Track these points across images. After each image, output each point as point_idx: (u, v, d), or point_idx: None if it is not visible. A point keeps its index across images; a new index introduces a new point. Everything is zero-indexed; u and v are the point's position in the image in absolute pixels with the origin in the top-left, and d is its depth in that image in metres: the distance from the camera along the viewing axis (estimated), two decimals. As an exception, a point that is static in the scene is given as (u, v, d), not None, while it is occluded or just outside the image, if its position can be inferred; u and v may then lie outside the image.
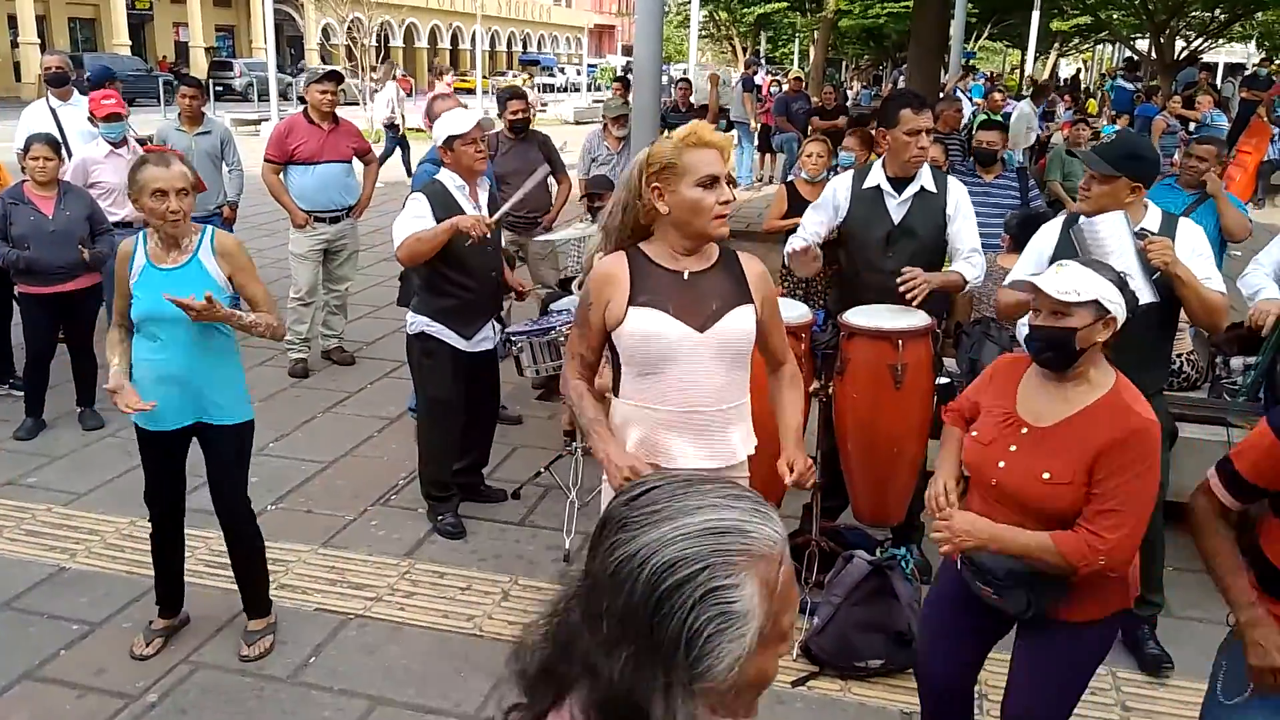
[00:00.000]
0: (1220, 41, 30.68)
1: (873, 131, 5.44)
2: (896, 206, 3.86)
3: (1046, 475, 2.29)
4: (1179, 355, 4.66)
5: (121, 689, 3.31)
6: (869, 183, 3.91)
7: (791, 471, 2.56)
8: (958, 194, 3.89)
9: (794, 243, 3.92)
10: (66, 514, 4.49)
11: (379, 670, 3.45)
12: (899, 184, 3.86)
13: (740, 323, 2.51)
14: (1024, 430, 2.38)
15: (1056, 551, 2.24)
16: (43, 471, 4.94)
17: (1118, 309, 2.30)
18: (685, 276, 2.50)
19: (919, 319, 3.62)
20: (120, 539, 4.26)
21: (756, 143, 15.63)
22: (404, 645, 3.60)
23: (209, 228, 3.37)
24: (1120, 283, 2.34)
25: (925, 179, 3.86)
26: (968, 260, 3.85)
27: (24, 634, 3.60)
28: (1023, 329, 3.66)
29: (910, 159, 3.80)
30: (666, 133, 7.78)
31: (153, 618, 3.60)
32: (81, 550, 4.17)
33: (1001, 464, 2.37)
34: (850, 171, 4.10)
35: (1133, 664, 3.56)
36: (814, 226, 3.99)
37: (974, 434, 2.47)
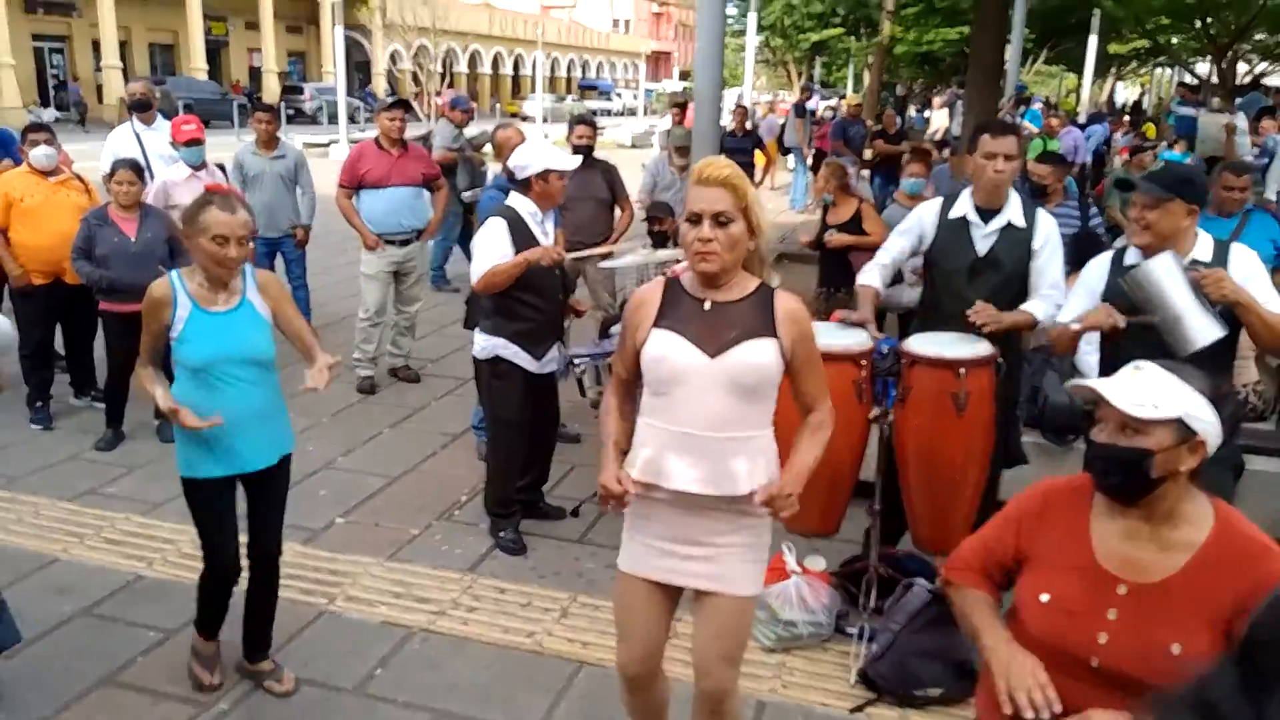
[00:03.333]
0: (1286, 65, 30.02)
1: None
2: (982, 238, 3.84)
3: (1177, 649, 1.80)
4: (1244, 385, 4.61)
5: (195, 696, 3.42)
6: (956, 212, 3.90)
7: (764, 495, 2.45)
8: (1048, 228, 3.85)
9: (868, 274, 3.96)
10: (144, 523, 4.65)
11: (442, 684, 3.53)
12: (986, 215, 3.84)
13: (754, 355, 2.47)
14: (1121, 589, 1.89)
15: None
16: (121, 481, 5.11)
17: (1209, 430, 1.85)
18: (707, 306, 2.53)
19: (982, 348, 3.62)
20: (195, 549, 4.31)
21: (810, 165, 15.69)
22: (466, 659, 3.67)
23: (248, 266, 3.27)
24: (1216, 396, 1.88)
25: (1013, 212, 3.83)
26: (1044, 297, 3.78)
27: (103, 640, 3.73)
28: (1086, 358, 3.63)
29: (987, 180, 3.80)
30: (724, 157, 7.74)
31: (199, 645, 3.52)
32: (158, 559, 4.31)
33: (1103, 638, 1.87)
34: (939, 199, 4.09)
35: None
36: (895, 250, 4.00)
37: (1044, 599, 1.93)
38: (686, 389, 2.49)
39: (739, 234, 2.45)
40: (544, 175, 4.28)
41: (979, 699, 2.23)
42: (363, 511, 4.85)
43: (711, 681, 2.61)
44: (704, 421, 2.48)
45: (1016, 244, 3.83)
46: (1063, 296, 3.84)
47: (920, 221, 3.98)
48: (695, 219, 2.45)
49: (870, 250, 4.64)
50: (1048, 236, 3.84)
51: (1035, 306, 3.80)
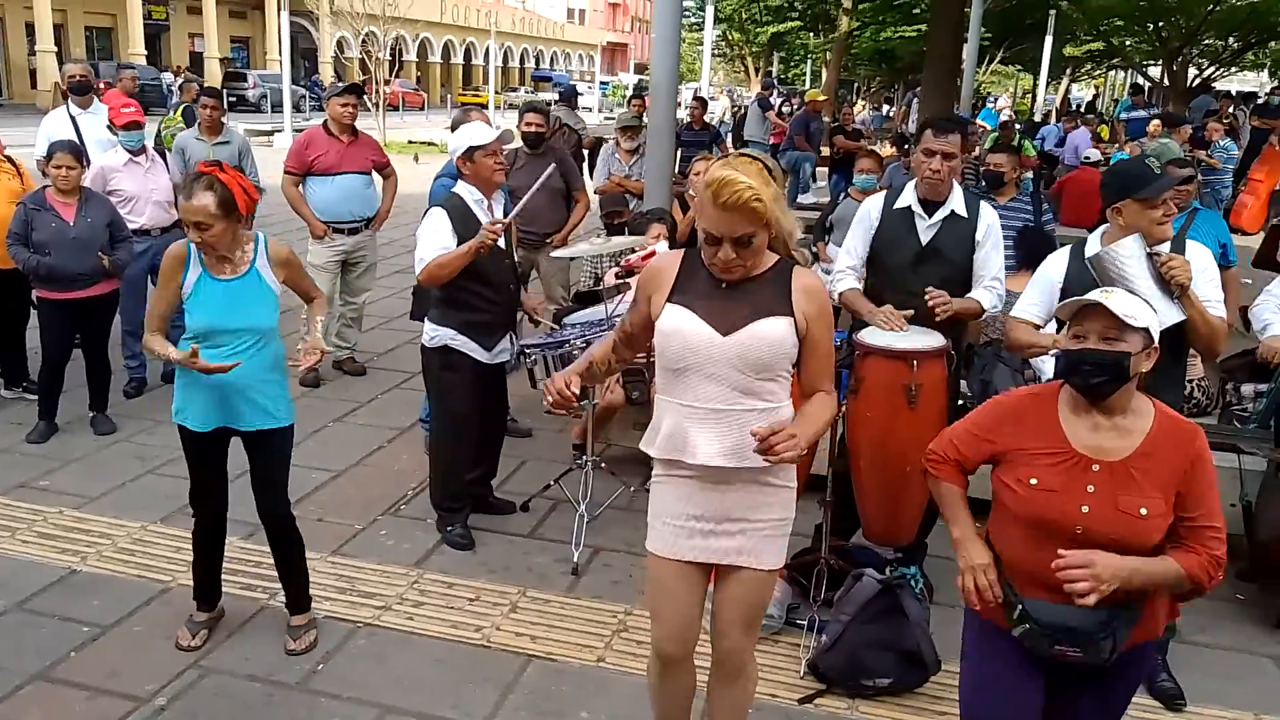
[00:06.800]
0: (1232, 70, 30.73)
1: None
2: (926, 228, 3.88)
3: (1144, 511, 2.21)
4: (1190, 381, 4.68)
5: (132, 692, 3.32)
6: (900, 203, 3.93)
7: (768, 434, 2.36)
8: (989, 220, 3.91)
9: (844, 281, 3.95)
10: (79, 517, 4.51)
11: (388, 679, 3.47)
12: (930, 206, 3.88)
13: (766, 332, 2.48)
14: (1095, 468, 2.26)
15: (1187, 576, 2.22)
16: (55, 475, 4.96)
17: (1156, 343, 2.28)
18: (723, 285, 2.53)
19: (934, 339, 3.64)
20: (131, 543, 4.28)
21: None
22: (413, 654, 3.61)
23: (261, 235, 3.43)
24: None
25: (956, 203, 3.88)
26: (988, 288, 3.88)
27: (35, 635, 3.61)
28: (1047, 361, 3.67)
29: (922, 177, 3.85)
30: (681, 150, 7.66)
31: (192, 612, 3.68)
32: (93, 553, 4.18)
33: (1085, 508, 2.24)
34: (884, 191, 4.13)
35: (1140, 690, 3.56)
36: (859, 250, 4.00)
37: (1033, 482, 2.30)
38: (700, 366, 2.50)
39: (761, 244, 2.47)
40: (469, 155, 4.18)
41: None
42: (306, 506, 4.73)
43: (730, 644, 2.69)
44: (721, 396, 2.50)
45: (959, 234, 3.88)
46: (1003, 288, 3.93)
47: (869, 213, 4.01)
48: (714, 240, 2.43)
49: None
50: (989, 228, 3.90)
51: (981, 295, 3.87)
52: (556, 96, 10.34)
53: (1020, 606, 2.31)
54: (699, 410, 2.52)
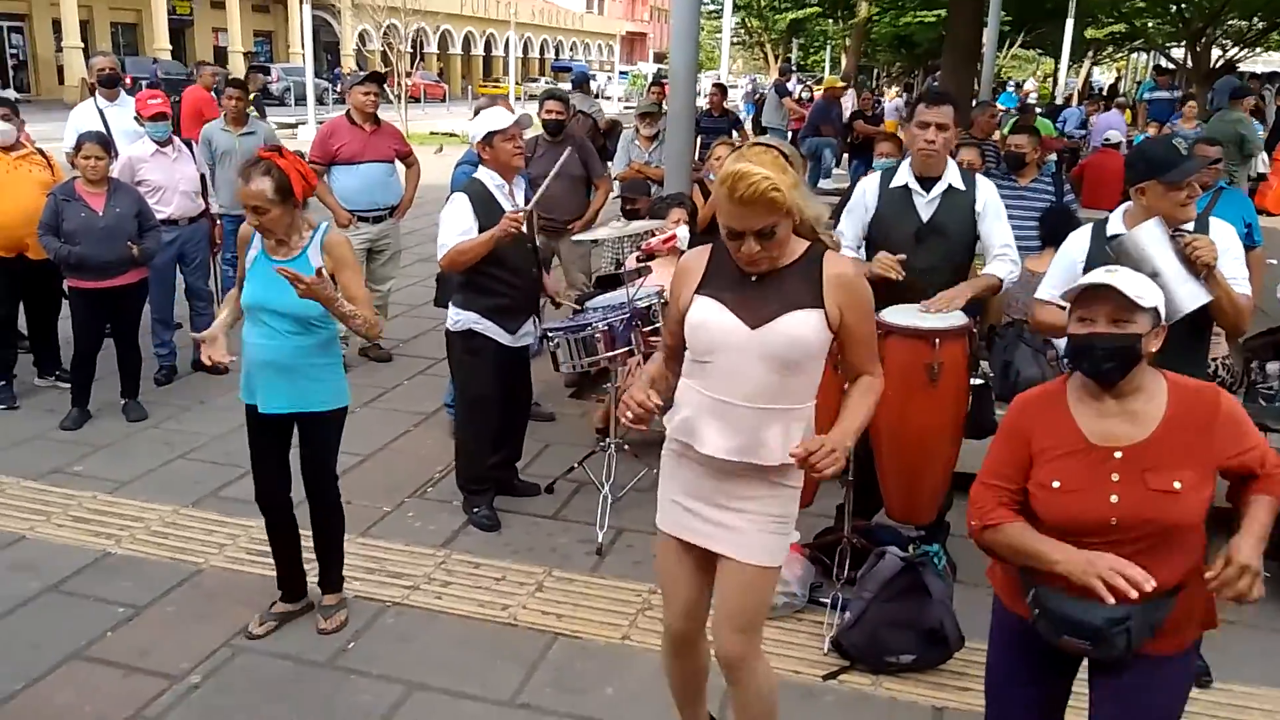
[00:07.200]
0: (1257, 50, 30.32)
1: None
2: (925, 204, 3.88)
3: (1178, 484, 2.13)
4: (1214, 359, 4.65)
5: (166, 670, 3.39)
6: (897, 182, 3.93)
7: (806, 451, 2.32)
8: (987, 192, 3.91)
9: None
10: (111, 501, 4.59)
11: (415, 656, 3.52)
12: (926, 183, 3.88)
13: (795, 328, 2.41)
14: (1117, 455, 2.18)
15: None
16: (87, 460, 5.05)
17: (1163, 320, 2.22)
18: (753, 277, 2.47)
19: (956, 319, 3.65)
20: (164, 526, 4.35)
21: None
22: (440, 633, 3.67)
23: (324, 224, 3.48)
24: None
25: (953, 177, 3.88)
26: (999, 258, 3.86)
27: (71, 615, 3.69)
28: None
29: (917, 150, 3.85)
30: (701, 137, 7.59)
31: (275, 600, 3.73)
32: (126, 536, 4.26)
33: (1114, 498, 2.16)
34: (878, 172, 4.12)
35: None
36: (852, 232, 4.01)
37: (1056, 485, 2.21)
38: (726, 359, 2.45)
39: (784, 234, 2.40)
40: (488, 140, 4.22)
41: (999, 581, 2.45)
42: (335, 488, 4.81)
43: (725, 649, 2.60)
44: (743, 392, 2.45)
45: (959, 208, 3.87)
46: (1016, 254, 3.91)
47: (864, 195, 4.00)
48: (734, 234, 2.38)
49: None
50: (987, 199, 3.89)
51: (995, 268, 3.86)
52: (570, 85, 10.45)
53: (1033, 592, 2.24)
54: (718, 402, 2.48)
